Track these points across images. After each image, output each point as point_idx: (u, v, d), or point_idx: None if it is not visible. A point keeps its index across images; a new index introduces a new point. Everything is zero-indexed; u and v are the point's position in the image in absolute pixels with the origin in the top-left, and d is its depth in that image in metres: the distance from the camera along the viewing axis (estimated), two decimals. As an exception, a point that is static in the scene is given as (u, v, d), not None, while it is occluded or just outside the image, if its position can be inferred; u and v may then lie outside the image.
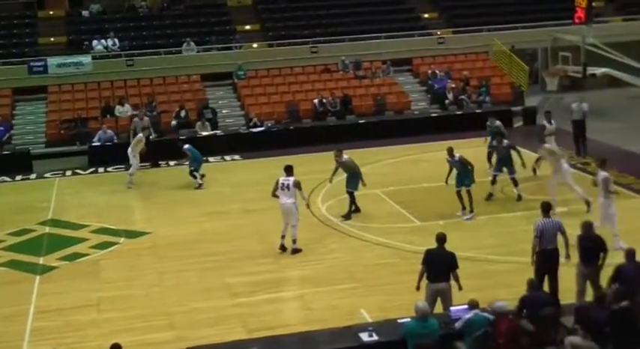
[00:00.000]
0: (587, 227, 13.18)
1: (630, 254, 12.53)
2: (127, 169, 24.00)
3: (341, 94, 30.40)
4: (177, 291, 15.25)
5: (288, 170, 16.86)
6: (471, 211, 18.53)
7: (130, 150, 23.40)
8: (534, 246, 13.38)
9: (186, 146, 23.16)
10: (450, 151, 18.88)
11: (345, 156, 19.27)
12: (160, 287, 15.57)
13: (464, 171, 18.57)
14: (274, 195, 16.75)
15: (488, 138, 21.70)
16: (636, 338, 10.92)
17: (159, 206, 21.34)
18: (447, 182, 19.13)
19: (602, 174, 16.21)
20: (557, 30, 27.75)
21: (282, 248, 16.78)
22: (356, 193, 19.14)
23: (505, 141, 19.98)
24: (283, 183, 16.58)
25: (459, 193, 18.68)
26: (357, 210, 19.30)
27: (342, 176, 19.63)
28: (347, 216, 19.02)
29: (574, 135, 24.62)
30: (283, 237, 16.77)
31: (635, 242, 14.47)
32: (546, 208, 13.91)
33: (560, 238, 13.41)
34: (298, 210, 16.69)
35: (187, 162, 23.33)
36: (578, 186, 18.73)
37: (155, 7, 35.88)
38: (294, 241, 16.70)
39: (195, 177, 22.85)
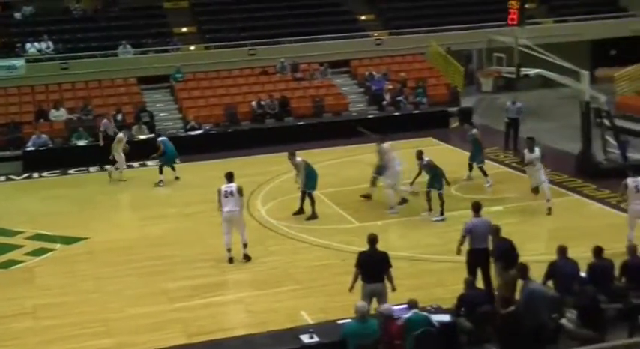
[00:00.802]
0: (495, 231, 13.48)
1: (562, 250, 12.81)
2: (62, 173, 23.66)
3: (279, 96, 30.39)
4: (116, 297, 15.06)
5: (230, 177, 16.63)
6: (442, 214, 18.48)
7: (113, 150, 23.64)
8: (460, 243, 13.71)
9: (160, 138, 23.35)
10: (419, 154, 19.01)
11: (299, 158, 19.32)
12: (97, 293, 15.36)
13: (433, 175, 18.70)
14: (220, 206, 16.34)
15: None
16: (521, 343, 11.15)
17: (96, 211, 21.04)
18: (411, 183, 19.43)
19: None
20: (491, 32, 28.19)
21: (231, 260, 16.39)
22: (314, 193, 19.18)
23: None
24: (227, 191, 16.24)
25: (428, 194, 18.80)
26: (301, 211, 19.31)
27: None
28: (312, 217, 19.01)
29: (505, 132, 25.22)
30: (229, 250, 16.38)
31: (569, 239, 14.79)
32: (477, 208, 14.17)
33: None
34: (242, 215, 16.46)
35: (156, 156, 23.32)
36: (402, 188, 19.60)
37: (90, 10, 35.36)
38: (245, 245, 16.42)
39: (161, 172, 22.88)
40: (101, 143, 25.72)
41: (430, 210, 18.71)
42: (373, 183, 20.09)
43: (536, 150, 18.99)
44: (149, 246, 17.83)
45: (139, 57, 32.33)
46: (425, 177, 19.11)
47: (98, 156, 25.36)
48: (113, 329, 13.69)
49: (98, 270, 16.53)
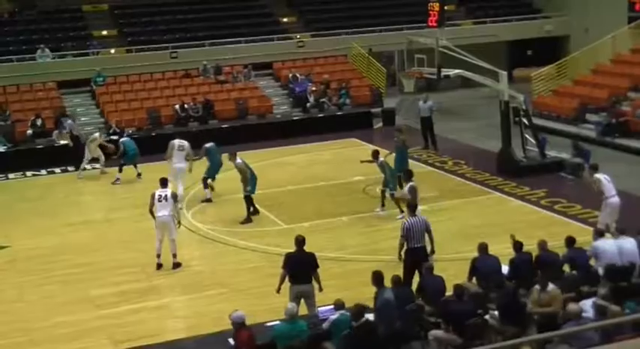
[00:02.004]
0: (429, 269, 13.68)
1: (483, 248, 13.06)
2: None
3: (202, 99, 30.21)
4: (39, 306, 14.79)
5: (164, 182, 16.55)
6: (382, 208, 18.67)
7: (86, 149, 24.11)
8: (400, 244, 13.84)
9: (122, 139, 23.71)
10: (375, 154, 19.12)
11: (239, 159, 19.24)
12: (20, 302, 15.05)
13: (385, 175, 18.82)
14: (151, 211, 16.10)
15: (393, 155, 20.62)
16: None
17: (16, 218, 20.55)
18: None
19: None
20: (412, 33, 28.54)
21: (160, 266, 16.18)
22: (253, 196, 19.15)
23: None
24: (160, 195, 16.06)
25: (383, 193, 18.94)
26: (256, 211, 19.21)
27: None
28: (246, 220, 18.91)
29: (422, 131, 25.67)
30: (159, 255, 16.14)
31: (491, 236, 15.20)
32: (412, 207, 14.35)
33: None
34: (175, 222, 16.26)
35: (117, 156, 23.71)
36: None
37: (6, 13, 34.52)
38: (174, 255, 16.21)
39: (120, 171, 23.15)
40: (70, 143, 26.07)
41: (382, 205, 18.85)
42: (204, 183, 20.97)
43: (407, 186, 16.82)
44: (73, 253, 17.53)
45: (58, 61, 31.72)
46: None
47: (16, 161, 24.94)
48: (37, 338, 13.44)
49: (20, 279, 16.18)
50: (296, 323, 11.11)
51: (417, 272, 13.57)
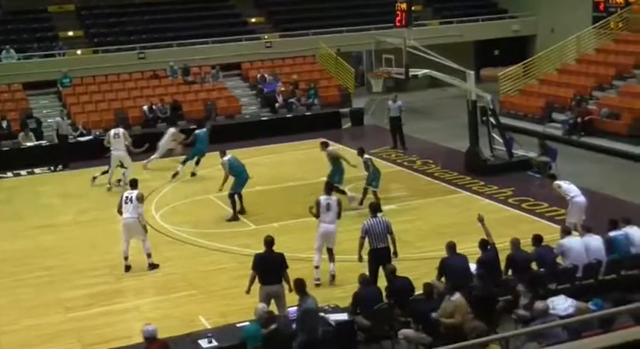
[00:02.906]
0: (391, 271, 13.78)
1: (451, 247, 13.18)
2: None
3: (170, 100, 30.10)
4: (8, 309, 14.67)
5: (133, 184, 16.52)
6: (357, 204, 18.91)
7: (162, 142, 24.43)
8: (360, 245, 13.93)
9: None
10: (360, 151, 19.35)
11: (226, 157, 19.24)
12: (-12, 306, 14.94)
13: (370, 173, 18.97)
14: (120, 212, 16.03)
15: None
16: None
17: (-17, 221, 20.39)
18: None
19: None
20: (379, 33, 28.67)
21: (128, 268, 16.08)
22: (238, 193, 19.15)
23: None
24: (127, 197, 16.00)
25: (365, 190, 19.08)
26: (243, 211, 19.24)
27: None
28: (233, 218, 18.94)
29: (391, 131, 25.82)
30: (126, 258, 16.04)
31: (459, 234, 15.33)
32: (374, 208, 14.44)
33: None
34: (142, 223, 16.15)
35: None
36: None
37: (-30, 13, 34.20)
38: (148, 255, 16.13)
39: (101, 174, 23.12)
40: (55, 141, 26.09)
41: (361, 204, 18.89)
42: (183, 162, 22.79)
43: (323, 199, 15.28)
44: (42, 256, 17.39)
45: (23, 62, 31.44)
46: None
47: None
48: (6, 342, 13.33)
49: (-12, 282, 16.06)
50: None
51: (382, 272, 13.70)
